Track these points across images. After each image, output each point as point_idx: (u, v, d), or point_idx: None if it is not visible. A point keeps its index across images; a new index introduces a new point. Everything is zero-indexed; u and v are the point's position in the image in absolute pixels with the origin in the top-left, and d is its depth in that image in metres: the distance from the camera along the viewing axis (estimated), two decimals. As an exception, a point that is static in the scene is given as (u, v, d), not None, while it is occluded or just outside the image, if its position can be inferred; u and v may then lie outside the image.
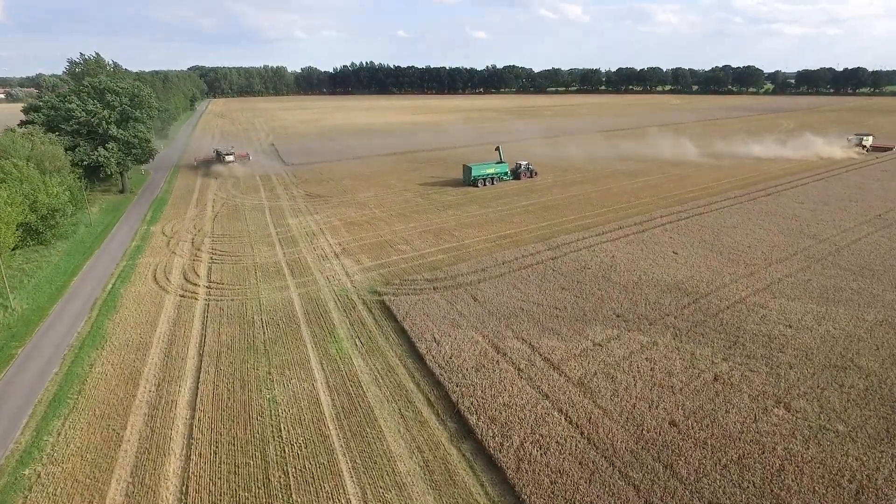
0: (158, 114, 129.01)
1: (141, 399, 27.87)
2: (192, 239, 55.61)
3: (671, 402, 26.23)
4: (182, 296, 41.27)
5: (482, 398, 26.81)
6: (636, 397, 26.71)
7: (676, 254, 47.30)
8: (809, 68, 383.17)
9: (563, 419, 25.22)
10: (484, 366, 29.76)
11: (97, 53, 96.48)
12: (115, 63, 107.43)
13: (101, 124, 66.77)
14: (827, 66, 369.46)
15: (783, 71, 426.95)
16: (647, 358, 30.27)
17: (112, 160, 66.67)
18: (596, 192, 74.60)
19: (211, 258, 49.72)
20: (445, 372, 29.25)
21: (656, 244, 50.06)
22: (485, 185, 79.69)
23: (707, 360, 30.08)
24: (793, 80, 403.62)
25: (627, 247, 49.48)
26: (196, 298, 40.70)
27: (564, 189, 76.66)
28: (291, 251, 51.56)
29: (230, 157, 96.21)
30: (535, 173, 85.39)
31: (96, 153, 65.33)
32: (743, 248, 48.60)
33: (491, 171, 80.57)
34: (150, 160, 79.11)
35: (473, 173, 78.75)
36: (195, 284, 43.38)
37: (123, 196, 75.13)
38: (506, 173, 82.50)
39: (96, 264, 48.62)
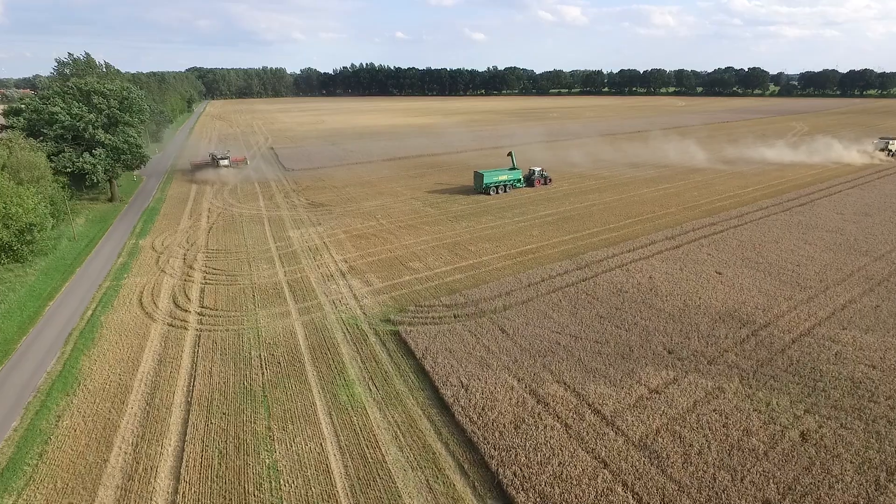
0: (153, 116, 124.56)
1: (114, 465, 23.12)
2: (185, 255, 50.88)
3: (758, 473, 21.56)
4: (170, 325, 36.53)
5: (527, 466, 22.12)
6: (714, 465, 22.04)
7: (720, 274, 42.68)
8: (811, 70, 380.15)
9: (630, 497, 20.54)
10: (524, 420, 25.06)
11: (87, 53, 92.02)
12: (106, 63, 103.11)
13: (88, 129, 61.97)
14: (829, 68, 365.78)
15: (786, 73, 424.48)
16: (715, 409, 25.60)
17: (99, 167, 61.84)
18: (616, 200, 70.01)
19: (204, 278, 45.00)
20: (479, 429, 24.54)
21: (695, 262, 45.42)
22: (497, 192, 75.14)
23: (787, 412, 25.41)
24: (796, 82, 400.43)
25: (664, 265, 44.84)
26: (186, 328, 35.96)
27: (582, 197, 72.05)
28: (293, 269, 46.87)
29: (225, 162, 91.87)
30: (550, 180, 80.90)
31: (81, 160, 60.49)
32: (791, 267, 43.99)
33: (504, 177, 75.97)
34: (142, 166, 74.31)
35: (486, 180, 74.13)
36: (185, 310, 38.64)
37: (113, 205, 70.33)
38: (519, 180, 77.90)
39: (76, 285, 43.82)
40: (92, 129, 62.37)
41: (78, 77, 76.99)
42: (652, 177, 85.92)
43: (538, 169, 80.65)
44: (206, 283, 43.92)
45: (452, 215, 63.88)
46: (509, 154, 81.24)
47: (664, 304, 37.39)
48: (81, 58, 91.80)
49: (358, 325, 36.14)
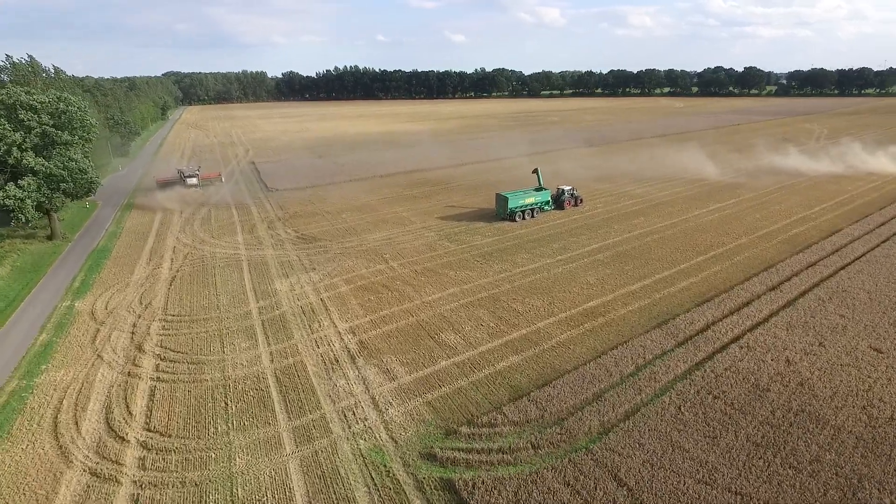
0: (116, 128, 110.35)
1: None
2: (134, 325, 37.69)
3: None
4: (94, 474, 23.50)
5: None
6: None
7: (881, 352, 30.92)
8: (800, 70, 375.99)
9: None
10: None
11: (31, 56, 77.66)
12: (56, 68, 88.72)
13: (12, 152, 48.30)
14: (816, 67, 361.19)
15: (774, 72, 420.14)
16: None
17: (28, 202, 48.11)
18: (668, 227, 58.33)
19: (157, 367, 31.97)
20: None
21: (832, 331, 33.58)
22: (523, 218, 63.07)
23: None
24: (784, 81, 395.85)
25: (793, 337, 32.89)
26: (118, 481, 22.97)
27: (626, 223, 60.19)
28: (282, 348, 34.04)
29: (192, 180, 78.92)
30: (581, 200, 69.16)
31: (2, 193, 46.81)
32: (963, 336, 32.43)
33: (531, 199, 63.90)
34: (91, 194, 60.61)
35: (510, 204, 61.97)
36: (122, 438, 25.63)
37: (52, 244, 56.42)
38: (547, 202, 65.98)
39: (-33, 390, 30.45)
40: (18, 151, 48.67)
41: (19, 85, 63.27)
42: (693, 194, 74.61)
43: (568, 188, 68.73)
44: (158, 378, 30.88)
45: (478, 253, 51.51)
46: (535, 171, 69.12)
47: (836, 417, 25.40)
48: (24, 61, 77.49)
49: (387, 465, 23.51)
